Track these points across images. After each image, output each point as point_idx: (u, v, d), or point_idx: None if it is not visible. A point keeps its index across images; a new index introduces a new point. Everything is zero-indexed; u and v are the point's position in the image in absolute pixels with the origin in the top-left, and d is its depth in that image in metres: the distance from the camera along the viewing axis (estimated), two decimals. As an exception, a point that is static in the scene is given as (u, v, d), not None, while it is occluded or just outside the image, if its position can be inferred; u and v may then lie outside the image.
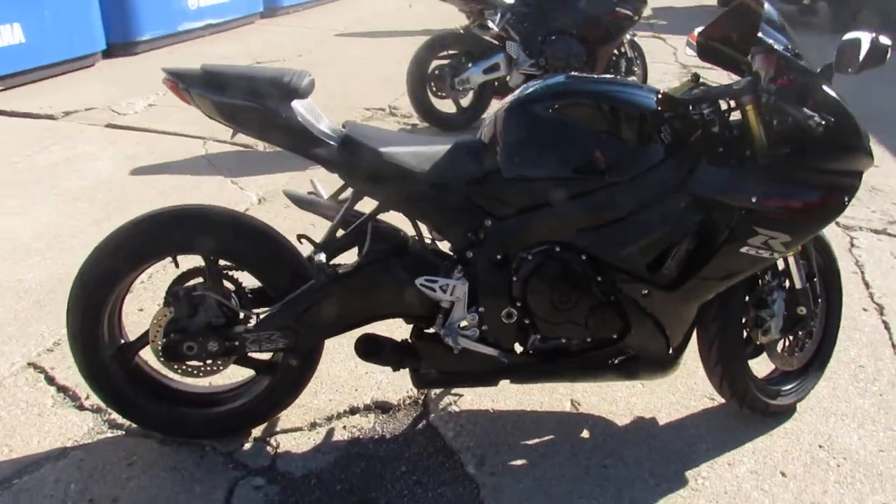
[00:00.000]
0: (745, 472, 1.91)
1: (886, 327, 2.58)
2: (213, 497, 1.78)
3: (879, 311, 2.69)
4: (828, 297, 2.07)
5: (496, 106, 2.08)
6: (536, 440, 2.00)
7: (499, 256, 1.77)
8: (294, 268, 1.81)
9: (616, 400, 2.15)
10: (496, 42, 4.51)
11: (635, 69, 5.02)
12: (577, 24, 4.45)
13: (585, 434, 2.03)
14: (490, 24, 4.44)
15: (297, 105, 1.68)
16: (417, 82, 4.45)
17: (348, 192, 1.84)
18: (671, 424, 2.07)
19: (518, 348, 1.87)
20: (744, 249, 1.70)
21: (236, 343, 1.80)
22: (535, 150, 1.73)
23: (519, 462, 1.92)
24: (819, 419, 2.11)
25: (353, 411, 2.10)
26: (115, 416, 1.98)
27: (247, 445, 1.95)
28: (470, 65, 4.49)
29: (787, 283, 1.96)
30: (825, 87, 1.66)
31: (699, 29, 1.68)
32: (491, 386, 1.97)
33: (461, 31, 4.64)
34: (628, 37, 4.82)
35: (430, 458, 1.94)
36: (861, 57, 1.64)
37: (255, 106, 1.64)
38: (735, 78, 1.75)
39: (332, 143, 1.70)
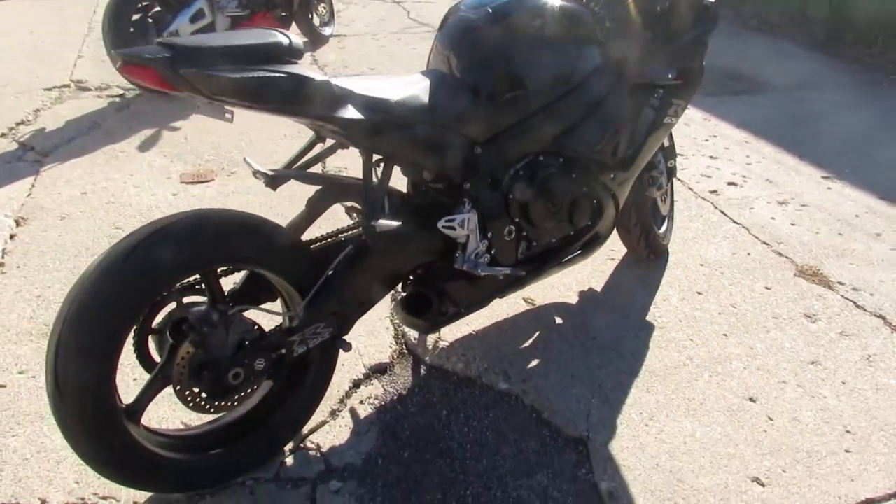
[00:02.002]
0: (678, 300, 2.37)
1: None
2: (305, 520, 1.60)
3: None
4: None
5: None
6: (528, 341, 2.17)
7: (490, 179, 1.83)
8: (303, 249, 1.64)
9: (554, 286, 2.41)
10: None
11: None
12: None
13: (559, 321, 2.26)
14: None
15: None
16: (120, 43, 3.85)
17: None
18: (608, 289, 2.42)
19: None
20: (666, 120, 2.05)
21: (283, 351, 1.58)
22: (504, 71, 1.80)
23: (532, 363, 2.08)
24: (688, 256, 2.67)
25: (357, 385, 2.00)
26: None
27: (289, 461, 1.75)
28: (170, 16, 4.03)
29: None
30: None
31: None
32: (486, 306, 2.05)
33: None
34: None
35: (459, 392, 1.99)
36: None
37: (284, 75, 1.40)
38: None
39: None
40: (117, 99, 4.11)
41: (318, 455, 1.77)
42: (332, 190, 1.75)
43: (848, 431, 1.85)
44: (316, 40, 5.16)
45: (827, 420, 1.88)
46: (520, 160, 1.86)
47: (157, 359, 1.53)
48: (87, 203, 2.93)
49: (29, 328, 2.18)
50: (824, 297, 2.41)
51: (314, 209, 1.74)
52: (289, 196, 2.98)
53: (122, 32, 3.85)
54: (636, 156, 2.03)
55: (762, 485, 1.69)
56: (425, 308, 1.81)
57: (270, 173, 1.73)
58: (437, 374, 2.05)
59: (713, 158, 3.47)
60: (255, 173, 1.75)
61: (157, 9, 4.04)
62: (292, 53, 1.45)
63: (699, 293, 2.41)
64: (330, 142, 1.77)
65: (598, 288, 2.42)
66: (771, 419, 1.88)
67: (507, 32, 1.79)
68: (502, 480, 1.71)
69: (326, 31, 5.25)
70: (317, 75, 1.45)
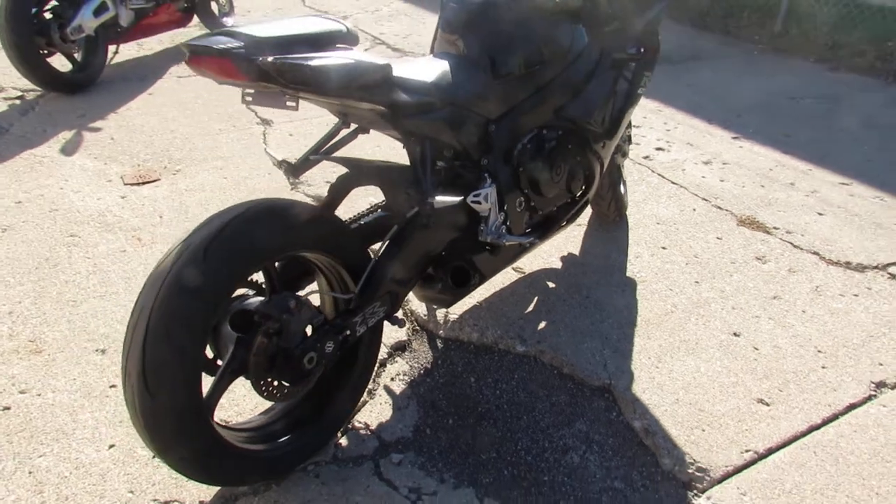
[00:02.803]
0: (648, 256, 2.60)
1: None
2: (377, 492, 1.65)
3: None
4: None
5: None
6: (530, 306, 2.31)
7: (503, 154, 1.95)
8: (351, 232, 1.69)
9: (536, 254, 2.56)
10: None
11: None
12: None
13: (551, 285, 2.42)
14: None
15: None
16: (21, 39, 3.56)
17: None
18: (585, 252, 2.60)
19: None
20: (639, 90, 2.25)
21: (348, 332, 1.62)
22: (514, 50, 1.91)
23: (541, 325, 2.22)
24: (644, 216, 2.91)
25: (383, 364, 2.06)
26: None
27: (343, 442, 1.79)
28: (72, 10, 3.78)
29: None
30: None
31: None
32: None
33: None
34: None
35: (480, 360, 2.09)
36: None
37: (353, 61, 1.42)
38: None
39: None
40: (17, 101, 3.80)
41: (369, 433, 1.82)
42: (357, 173, 1.78)
43: (819, 351, 2.14)
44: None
45: (801, 344, 2.16)
46: (525, 134, 1.98)
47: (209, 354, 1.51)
48: (26, 213, 2.74)
49: (14, 346, 2.05)
50: (766, 241, 2.72)
51: (337, 194, 1.77)
52: (248, 192, 2.94)
53: (20, 29, 3.56)
54: (618, 124, 2.20)
55: (767, 404, 1.93)
56: (464, 281, 1.89)
57: (294, 162, 1.75)
58: (455, 346, 2.14)
59: (636, 127, 3.75)
60: (280, 163, 1.76)
61: (56, 3, 3.77)
62: (350, 40, 1.48)
63: (663, 248, 2.64)
64: (348, 128, 1.80)
65: (577, 252, 2.60)
66: (756, 349, 2.14)
67: (514, 13, 1.90)
68: (546, 432, 1.84)
69: (228, 21, 5.08)
70: (379, 60, 1.49)
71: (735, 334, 2.19)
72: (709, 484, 1.70)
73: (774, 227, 2.81)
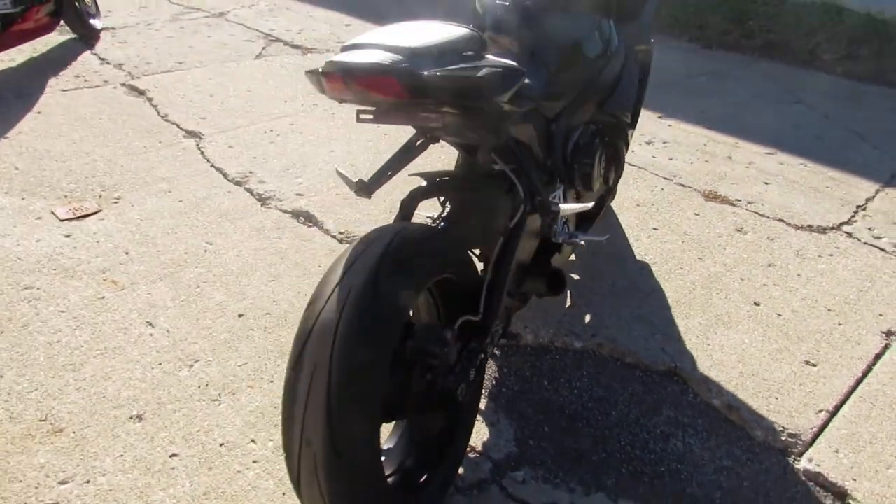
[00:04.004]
0: (646, 238, 2.70)
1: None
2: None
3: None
4: None
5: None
6: (567, 301, 2.32)
7: (561, 153, 1.93)
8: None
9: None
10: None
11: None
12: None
13: (576, 277, 2.44)
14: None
15: None
16: None
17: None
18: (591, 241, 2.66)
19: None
20: (647, 79, 2.32)
21: (482, 355, 1.54)
22: (569, 48, 1.89)
23: (586, 319, 2.24)
24: (623, 200, 3.00)
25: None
26: None
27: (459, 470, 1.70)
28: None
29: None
30: None
31: None
32: None
33: None
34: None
35: (543, 361, 2.07)
36: None
37: (502, 68, 1.32)
38: None
39: None
40: None
41: (478, 455, 1.74)
42: (434, 185, 1.69)
43: (830, 310, 2.34)
44: (88, 35, 4.45)
45: (812, 306, 2.36)
46: (576, 130, 1.97)
47: None
48: (-47, 267, 2.29)
49: (24, 430, 1.74)
50: (736, 213, 2.93)
51: (408, 209, 1.67)
52: (218, 215, 2.66)
53: None
54: (638, 114, 2.26)
55: (814, 365, 2.08)
56: (561, 285, 1.84)
57: (361, 181, 1.63)
58: (512, 351, 2.09)
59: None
60: (356, 183, 1.63)
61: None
62: (484, 45, 1.39)
63: (655, 229, 2.76)
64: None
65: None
66: (779, 315, 2.30)
67: (566, 13, 1.87)
68: (639, 424, 1.87)
69: (97, 23, 4.55)
70: (512, 63, 1.40)
71: (756, 304, 2.34)
72: (803, 447, 1.81)
73: (736, 199, 3.03)
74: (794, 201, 3.04)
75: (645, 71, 2.27)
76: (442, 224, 1.66)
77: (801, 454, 1.79)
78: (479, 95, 1.28)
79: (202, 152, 3.16)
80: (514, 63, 1.40)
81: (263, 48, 4.62)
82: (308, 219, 2.68)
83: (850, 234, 2.81)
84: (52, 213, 2.64)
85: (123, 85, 3.84)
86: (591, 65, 1.94)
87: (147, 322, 2.10)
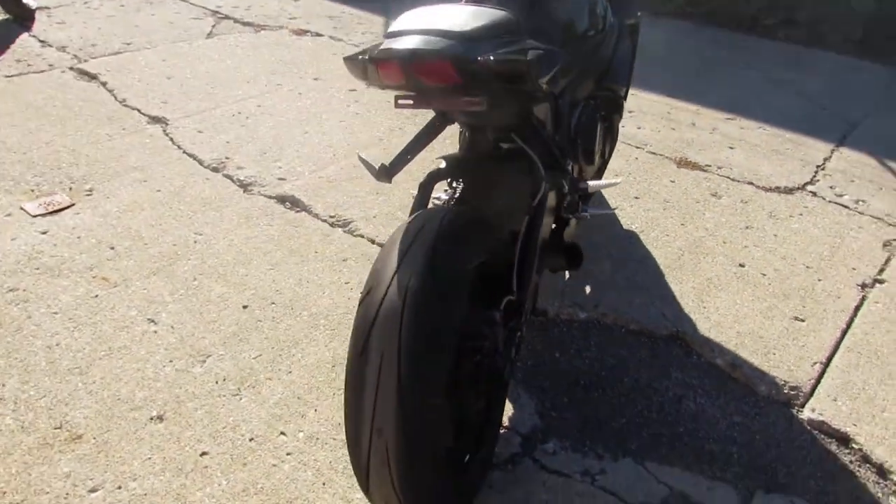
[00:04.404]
0: (629, 207, 2.77)
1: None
2: (556, 485, 1.65)
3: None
4: None
5: None
6: (565, 273, 2.37)
7: (566, 128, 1.96)
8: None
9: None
10: None
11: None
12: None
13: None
14: None
15: None
16: None
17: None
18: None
19: None
20: (635, 52, 2.37)
21: (519, 334, 1.57)
22: (574, 22, 1.90)
23: (586, 290, 2.30)
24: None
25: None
26: None
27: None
28: None
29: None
30: None
31: None
32: None
33: None
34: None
35: (551, 333, 2.12)
36: None
37: (544, 50, 1.33)
38: None
39: None
40: None
41: (506, 430, 1.78)
42: (452, 165, 1.69)
43: (808, 267, 2.48)
44: (23, 15, 4.19)
45: (791, 264, 2.49)
46: (578, 106, 2.00)
47: None
48: (-74, 272, 2.17)
49: (39, 440, 1.68)
50: (708, 178, 3.03)
51: (426, 191, 1.68)
52: (200, 204, 2.59)
53: None
54: (629, 87, 2.31)
55: (802, 320, 2.21)
56: (579, 259, 1.88)
57: (383, 166, 1.62)
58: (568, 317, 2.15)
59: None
60: (379, 168, 1.62)
61: None
62: (520, 28, 1.39)
63: (636, 198, 2.84)
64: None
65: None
66: (764, 274, 2.42)
67: None
68: (651, 388, 1.95)
69: (31, 2, 4.28)
70: (549, 46, 1.41)
71: (741, 265, 2.45)
72: (804, 398, 1.92)
73: (706, 165, 3.13)
74: (760, 164, 3.17)
75: (635, 44, 2.31)
76: (471, 205, 1.66)
77: (803, 405, 1.91)
78: (527, 78, 1.29)
79: (171, 138, 3.05)
80: (550, 46, 1.41)
81: (213, 26, 4.45)
82: (294, 204, 2.63)
83: (814, 194, 2.96)
84: (22, 208, 2.51)
85: (72, 69, 3.64)
86: (590, 40, 1.97)
87: (149, 319, 2.04)
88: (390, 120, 3.34)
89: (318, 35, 4.46)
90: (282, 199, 2.65)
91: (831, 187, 3.01)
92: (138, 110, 3.27)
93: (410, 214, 1.57)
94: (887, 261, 2.53)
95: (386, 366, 1.16)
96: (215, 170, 2.83)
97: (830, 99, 3.93)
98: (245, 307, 2.11)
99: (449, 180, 1.73)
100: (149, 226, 2.46)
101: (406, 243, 1.25)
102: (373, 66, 1.26)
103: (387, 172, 1.61)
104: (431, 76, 1.23)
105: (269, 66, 3.88)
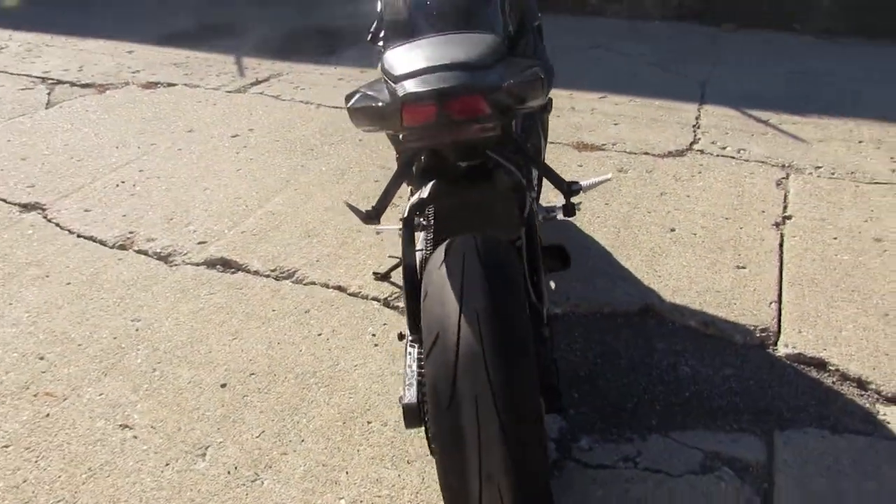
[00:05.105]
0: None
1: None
2: (603, 478, 1.69)
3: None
4: None
5: None
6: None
7: (520, 131, 2.00)
8: None
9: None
10: None
11: None
12: None
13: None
14: None
15: None
16: None
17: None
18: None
19: None
20: None
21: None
22: (514, 20, 1.93)
23: (552, 284, 2.36)
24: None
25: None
26: None
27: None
28: None
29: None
30: None
31: None
32: None
33: None
34: None
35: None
36: None
37: (545, 63, 1.34)
38: None
39: None
40: None
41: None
42: (429, 195, 1.68)
43: (727, 218, 2.70)
44: None
45: (712, 219, 2.69)
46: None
47: None
48: None
49: None
50: (609, 156, 3.21)
51: (411, 225, 1.66)
52: (124, 286, 2.36)
53: None
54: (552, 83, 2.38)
55: (744, 267, 2.41)
56: (567, 259, 1.91)
57: (372, 210, 1.59)
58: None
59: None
60: (364, 213, 1.58)
61: None
62: (506, 47, 1.40)
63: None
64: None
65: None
66: (694, 234, 2.60)
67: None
68: (645, 363, 2.04)
69: None
70: (535, 59, 1.43)
71: (672, 230, 2.63)
72: (775, 337, 2.10)
73: (603, 144, 3.31)
74: (647, 134, 3.40)
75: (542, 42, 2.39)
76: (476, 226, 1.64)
77: (775, 343, 2.08)
78: (541, 97, 1.30)
79: (57, 224, 2.75)
80: (529, 59, 1.43)
81: (49, 94, 4.06)
82: (227, 265, 2.47)
83: (702, 151, 3.22)
84: None
85: None
86: (527, 37, 2.01)
87: (121, 425, 1.84)
88: (289, 160, 3.22)
89: (171, 85, 4.20)
90: (212, 264, 2.48)
91: (713, 142, 3.29)
92: (3, 200, 2.92)
93: (403, 253, 1.54)
94: (785, 198, 2.81)
95: (483, 410, 1.13)
96: (123, 248, 2.59)
97: (675, 63, 4.29)
98: (223, 385, 1.95)
99: (440, 205, 1.70)
100: (74, 324, 2.20)
101: (455, 282, 1.23)
102: (397, 109, 1.22)
103: (375, 215, 1.56)
104: (464, 111, 1.21)
105: (133, 127, 3.60)
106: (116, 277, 2.42)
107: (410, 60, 1.28)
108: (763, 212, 2.72)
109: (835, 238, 2.54)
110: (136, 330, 2.17)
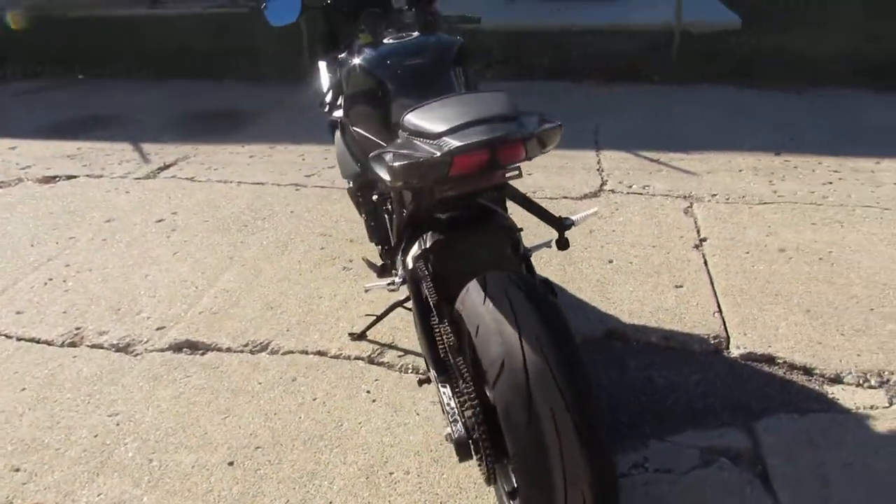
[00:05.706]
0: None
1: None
2: (646, 479, 1.83)
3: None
4: None
5: None
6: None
7: None
8: None
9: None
10: None
11: None
12: None
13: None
14: None
15: None
16: None
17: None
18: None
19: None
20: None
21: None
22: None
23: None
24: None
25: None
26: None
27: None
28: None
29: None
30: None
31: None
32: None
33: None
34: None
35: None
36: None
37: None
38: None
39: None
40: None
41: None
42: (432, 244, 1.80)
43: (654, 246, 2.99)
44: None
45: (642, 248, 2.97)
46: None
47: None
48: None
49: None
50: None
51: (418, 274, 1.79)
52: (89, 383, 2.24)
53: None
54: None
55: (681, 286, 2.68)
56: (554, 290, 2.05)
57: (386, 264, 1.72)
58: None
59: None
60: (378, 267, 1.70)
61: None
62: (514, 101, 1.56)
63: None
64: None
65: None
66: (631, 262, 2.86)
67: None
68: (624, 380, 2.23)
69: None
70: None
71: (610, 261, 2.88)
72: (726, 342, 2.36)
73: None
74: (560, 180, 3.69)
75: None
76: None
77: (727, 347, 2.33)
78: (556, 143, 1.48)
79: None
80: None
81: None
82: (195, 347, 2.42)
83: (613, 191, 3.55)
84: None
85: None
86: None
87: (132, 522, 1.75)
88: (225, 237, 3.20)
89: (72, 177, 4.05)
90: (178, 348, 2.42)
91: (620, 182, 3.63)
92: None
93: (414, 302, 1.64)
94: (696, 223, 3.16)
95: (561, 420, 1.24)
96: (73, 345, 2.47)
97: (566, 117, 4.67)
98: (231, 464, 1.91)
99: (442, 251, 1.80)
100: (44, 429, 2.07)
101: (507, 314, 1.34)
102: (447, 160, 1.34)
103: (389, 268, 1.66)
104: (509, 157, 1.35)
105: (43, 223, 3.44)
106: (77, 375, 2.30)
107: (446, 118, 1.41)
108: (682, 237, 3.04)
109: (747, 253, 2.88)
110: (117, 424, 2.07)
